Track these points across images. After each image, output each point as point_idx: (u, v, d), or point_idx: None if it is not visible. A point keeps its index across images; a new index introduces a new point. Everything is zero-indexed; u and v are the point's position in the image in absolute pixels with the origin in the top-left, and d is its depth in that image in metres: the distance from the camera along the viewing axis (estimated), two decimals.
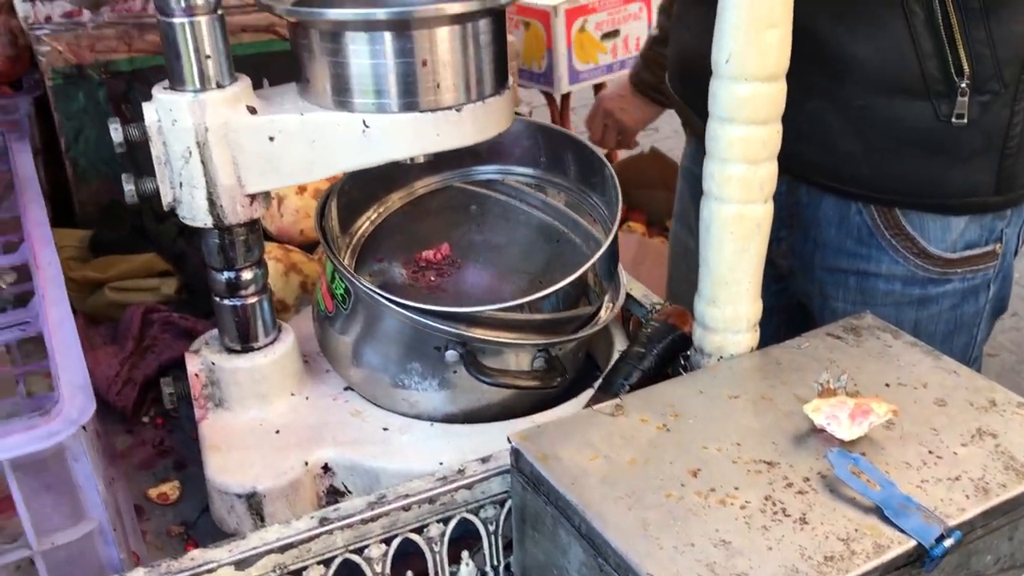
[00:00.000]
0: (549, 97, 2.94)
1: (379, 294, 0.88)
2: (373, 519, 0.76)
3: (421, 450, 0.91)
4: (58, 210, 1.38)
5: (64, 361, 0.76)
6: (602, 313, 0.99)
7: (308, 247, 1.28)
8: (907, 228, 1.11)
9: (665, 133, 4.65)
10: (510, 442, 0.76)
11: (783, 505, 0.68)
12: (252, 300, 0.94)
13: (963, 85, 1.01)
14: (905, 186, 1.09)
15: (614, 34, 3.28)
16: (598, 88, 3.80)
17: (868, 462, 0.70)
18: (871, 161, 1.08)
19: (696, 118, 1.25)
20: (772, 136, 0.81)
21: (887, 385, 0.81)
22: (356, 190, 1.05)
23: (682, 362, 0.94)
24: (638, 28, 2.94)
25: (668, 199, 3.28)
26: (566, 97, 3.65)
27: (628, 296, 1.05)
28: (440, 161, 0.89)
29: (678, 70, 1.32)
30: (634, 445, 0.75)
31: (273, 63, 1.38)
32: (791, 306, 1.29)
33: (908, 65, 1.02)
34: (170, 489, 1.03)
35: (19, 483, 0.69)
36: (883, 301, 1.15)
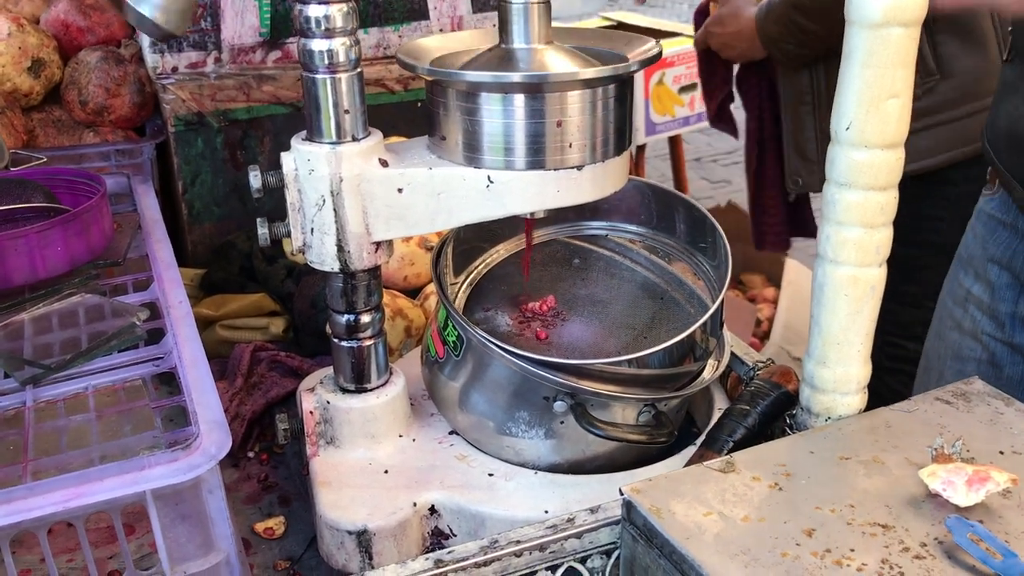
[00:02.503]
0: None
1: (494, 343, 0.91)
2: (485, 563, 0.78)
3: (526, 497, 0.93)
4: None
5: (200, 398, 0.79)
6: (707, 371, 1.01)
7: (410, 292, 1.32)
8: None
9: (738, 186, 4.65)
10: (622, 494, 0.77)
11: (900, 569, 0.68)
12: (368, 342, 0.97)
13: None
14: None
15: (691, 87, 3.32)
16: (673, 139, 3.83)
17: (987, 530, 0.70)
18: None
19: (1020, 188, 1.19)
20: (889, 202, 0.82)
21: (1001, 452, 0.81)
22: (468, 239, 1.08)
23: (787, 421, 0.94)
24: None
25: (745, 252, 3.27)
26: (641, 148, 3.69)
27: (731, 354, 1.06)
28: (551, 214, 0.91)
29: (1007, 142, 1.23)
30: (747, 502, 0.76)
31: (381, 115, 1.43)
32: None
33: None
34: (276, 524, 1.06)
35: (158, 512, 0.73)
36: None
